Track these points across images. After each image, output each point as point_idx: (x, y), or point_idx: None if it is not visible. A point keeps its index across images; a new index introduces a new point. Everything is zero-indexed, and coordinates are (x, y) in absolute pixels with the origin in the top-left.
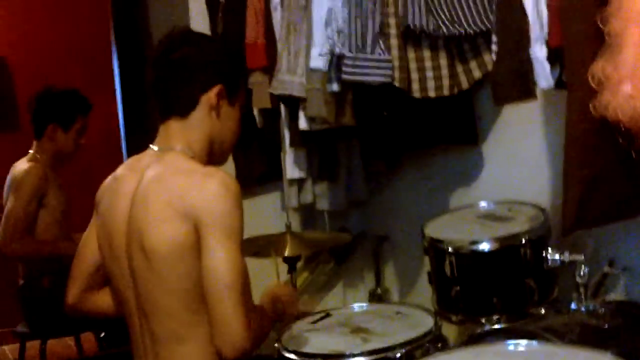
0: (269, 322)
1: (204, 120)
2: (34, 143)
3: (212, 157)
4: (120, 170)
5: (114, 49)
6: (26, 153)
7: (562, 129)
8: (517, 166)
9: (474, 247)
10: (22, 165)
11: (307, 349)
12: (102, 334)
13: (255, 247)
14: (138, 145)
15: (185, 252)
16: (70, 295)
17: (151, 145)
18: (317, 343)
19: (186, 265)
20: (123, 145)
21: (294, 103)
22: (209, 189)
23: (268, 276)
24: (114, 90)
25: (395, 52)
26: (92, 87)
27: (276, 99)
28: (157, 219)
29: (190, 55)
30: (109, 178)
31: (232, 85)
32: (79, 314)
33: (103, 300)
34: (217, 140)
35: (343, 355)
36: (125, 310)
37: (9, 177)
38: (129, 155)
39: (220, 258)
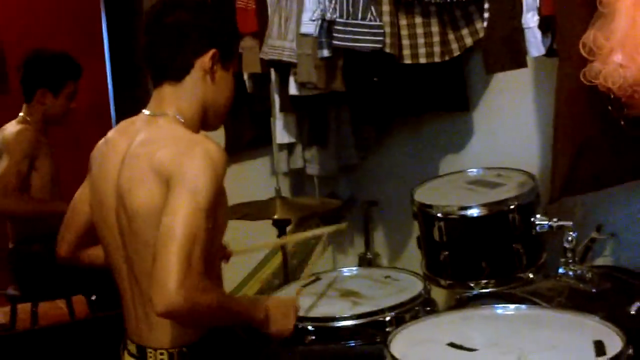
0: (228, 313)
1: (198, 85)
2: (24, 106)
3: (205, 122)
4: (111, 133)
5: (103, 12)
6: (16, 116)
7: (552, 97)
8: (507, 133)
9: (463, 213)
10: (12, 127)
11: (298, 313)
12: (94, 297)
13: (245, 212)
14: (127, 109)
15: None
16: (61, 249)
17: (144, 110)
18: (308, 307)
19: None
20: (112, 110)
21: (284, 68)
22: (193, 156)
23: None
24: (103, 54)
25: (386, 18)
26: (81, 51)
27: (266, 64)
28: (139, 182)
29: (184, 19)
30: (101, 141)
31: (227, 50)
32: (73, 264)
33: (97, 253)
34: (210, 105)
35: (333, 319)
36: (115, 273)
37: None
38: (118, 120)
39: (176, 213)
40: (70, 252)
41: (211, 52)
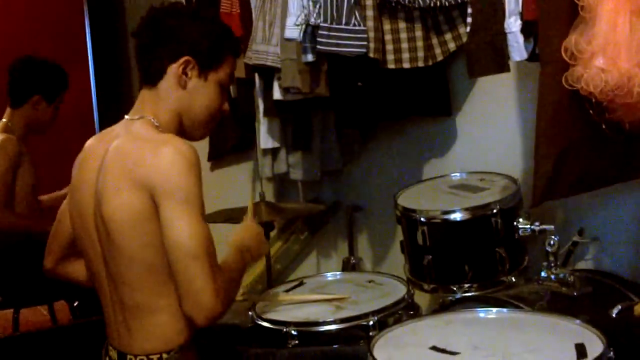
0: (239, 275)
1: (171, 90)
2: (8, 112)
3: (183, 131)
4: (90, 141)
5: (86, 20)
6: None
7: (534, 101)
8: (489, 137)
9: (446, 217)
10: None
11: (281, 317)
12: (76, 303)
13: (228, 216)
14: (111, 118)
15: (141, 221)
16: (48, 261)
17: (125, 115)
18: (291, 311)
19: (144, 234)
20: (95, 119)
21: (268, 73)
22: (163, 157)
23: None
24: (87, 63)
25: (370, 23)
26: (64, 59)
27: (251, 68)
28: (113, 188)
29: (167, 25)
30: (82, 151)
31: (206, 60)
32: (57, 278)
33: (80, 269)
34: (185, 113)
35: (316, 323)
36: (96, 281)
37: None
38: (102, 129)
39: (180, 228)
40: (55, 265)
41: (184, 59)
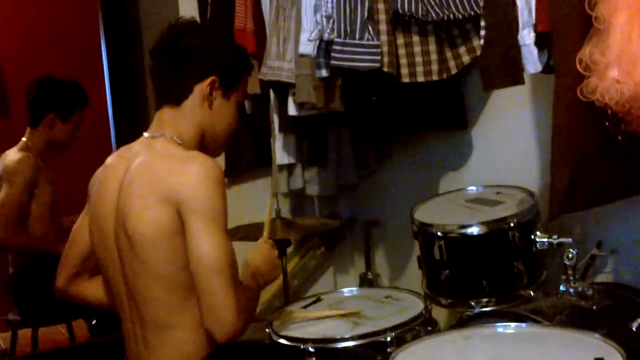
0: (255, 296)
1: (196, 109)
2: (28, 131)
3: (203, 148)
4: (110, 158)
5: (102, 36)
6: (15, 141)
7: (550, 113)
8: (505, 150)
9: (463, 231)
10: (14, 155)
11: (298, 334)
12: (94, 322)
13: (245, 233)
14: (127, 136)
15: (168, 237)
16: (60, 279)
17: (144, 133)
18: (308, 328)
19: (169, 250)
20: (112, 137)
21: (283, 89)
22: (190, 173)
23: None
24: (103, 80)
25: (384, 37)
26: (81, 77)
27: (265, 84)
28: (139, 204)
29: (189, 44)
30: (100, 169)
31: (229, 80)
32: (68, 299)
33: (92, 288)
34: (208, 131)
35: (334, 340)
36: (115, 297)
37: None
38: (119, 146)
39: (205, 244)
40: (67, 283)
41: (210, 78)
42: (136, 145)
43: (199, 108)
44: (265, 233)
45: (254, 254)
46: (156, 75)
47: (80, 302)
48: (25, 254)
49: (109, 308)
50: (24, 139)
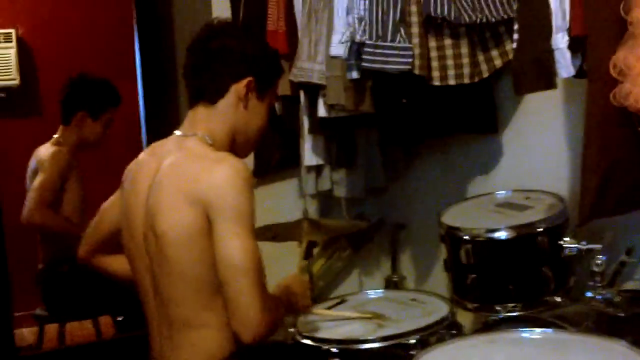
0: (282, 310)
1: (231, 110)
2: (60, 128)
3: (234, 149)
4: (142, 155)
5: (136, 35)
6: (48, 138)
7: (581, 118)
8: (536, 155)
9: (491, 235)
10: (47, 149)
11: (323, 335)
12: (120, 318)
13: (273, 233)
14: (158, 134)
15: (196, 237)
16: (81, 251)
17: (175, 131)
18: (333, 329)
19: (197, 250)
20: (143, 135)
21: (313, 90)
22: (219, 174)
23: (283, 260)
24: (135, 78)
25: (415, 40)
26: (113, 74)
27: (296, 86)
28: (168, 204)
29: (227, 45)
30: (133, 162)
31: (264, 81)
32: (91, 268)
33: (116, 263)
34: (240, 132)
35: (358, 341)
36: (142, 293)
37: (33, 161)
38: (149, 144)
39: (233, 245)
40: (89, 255)
41: (247, 79)
42: (168, 143)
43: (234, 108)
44: (299, 263)
45: (288, 278)
46: (192, 73)
47: (103, 273)
48: (55, 250)
49: (130, 282)
50: (55, 135)
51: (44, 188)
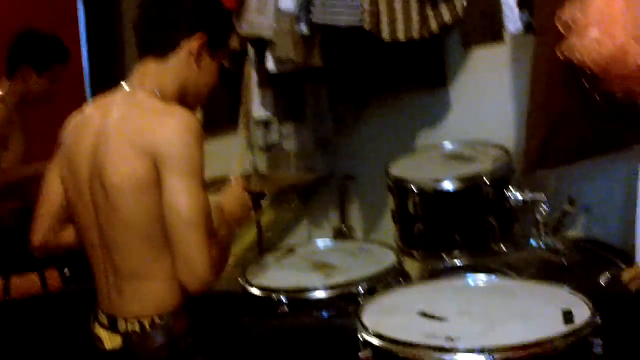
0: (228, 244)
1: (182, 65)
2: (4, 82)
3: (182, 103)
4: (87, 107)
5: None
6: None
7: (528, 72)
8: (483, 108)
9: (438, 186)
10: None
11: (271, 284)
12: (66, 270)
13: (222, 186)
14: (103, 89)
15: (145, 189)
16: (36, 238)
17: (123, 83)
18: (281, 278)
19: (146, 202)
20: (87, 90)
21: (262, 44)
22: (169, 127)
23: None
24: (78, 33)
25: None
26: (56, 29)
27: (244, 40)
28: (117, 156)
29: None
30: (76, 115)
31: (217, 40)
32: (45, 254)
33: (68, 236)
34: (191, 89)
35: (306, 290)
36: (88, 247)
37: None
38: (94, 98)
39: (181, 196)
40: (44, 241)
41: (200, 37)
42: (115, 97)
43: (186, 65)
44: (237, 175)
45: (226, 195)
46: (142, 27)
47: (61, 251)
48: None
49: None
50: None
51: None
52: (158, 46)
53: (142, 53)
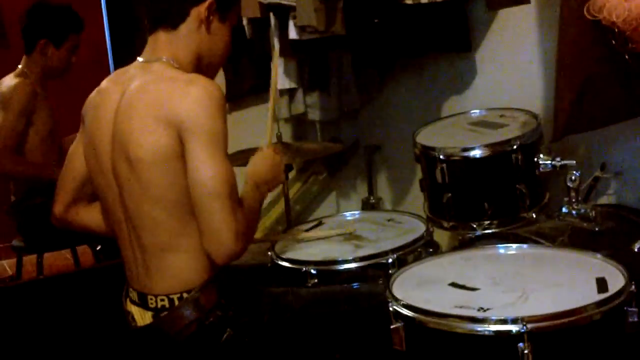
0: (257, 209)
1: (193, 33)
2: (24, 58)
3: (199, 72)
4: (104, 83)
5: None
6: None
7: (555, 34)
8: (510, 73)
9: (466, 154)
10: (9, 81)
11: (300, 256)
12: (99, 247)
13: (247, 158)
14: (125, 62)
15: (170, 161)
16: (57, 206)
17: (138, 58)
18: (310, 250)
19: (170, 174)
20: (110, 62)
21: (283, 12)
22: (191, 96)
23: None
24: (100, 6)
25: None
26: (78, 3)
27: (265, 8)
28: (140, 128)
29: None
30: (94, 92)
31: (225, 2)
32: (66, 227)
33: (90, 215)
34: (205, 55)
35: (335, 262)
36: (114, 223)
37: None
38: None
39: (206, 167)
40: (65, 211)
41: (208, 1)
42: (131, 70)
43: (196, 32)
44: (268, 138)
45: (257, 159)
46: (151, 0)
47: (80, 229)
48: (27, 182)
49: (108, 234)
50: (20, 66)
51: (6, 132)
52: (168, 17)
53: (152, 26)
